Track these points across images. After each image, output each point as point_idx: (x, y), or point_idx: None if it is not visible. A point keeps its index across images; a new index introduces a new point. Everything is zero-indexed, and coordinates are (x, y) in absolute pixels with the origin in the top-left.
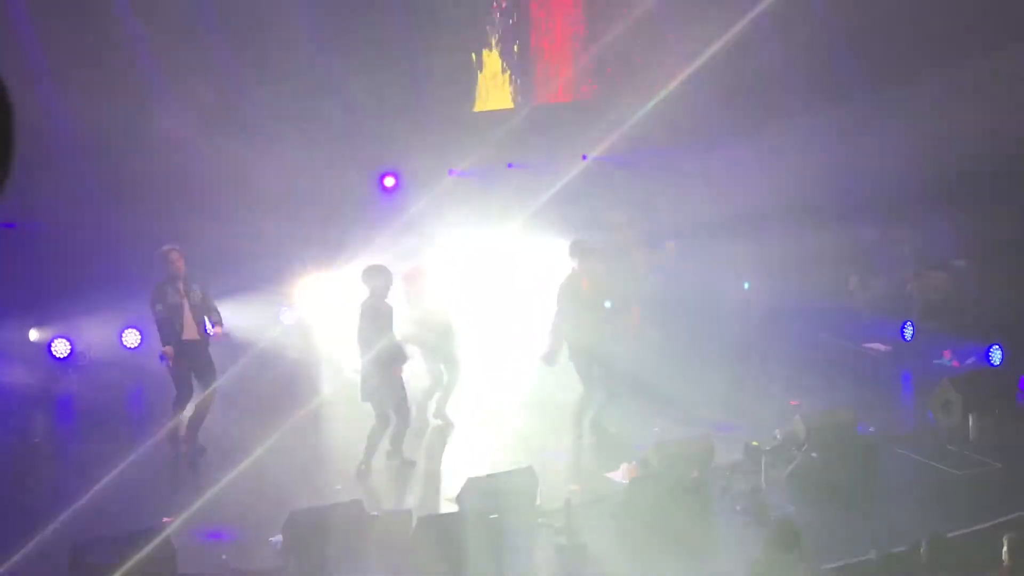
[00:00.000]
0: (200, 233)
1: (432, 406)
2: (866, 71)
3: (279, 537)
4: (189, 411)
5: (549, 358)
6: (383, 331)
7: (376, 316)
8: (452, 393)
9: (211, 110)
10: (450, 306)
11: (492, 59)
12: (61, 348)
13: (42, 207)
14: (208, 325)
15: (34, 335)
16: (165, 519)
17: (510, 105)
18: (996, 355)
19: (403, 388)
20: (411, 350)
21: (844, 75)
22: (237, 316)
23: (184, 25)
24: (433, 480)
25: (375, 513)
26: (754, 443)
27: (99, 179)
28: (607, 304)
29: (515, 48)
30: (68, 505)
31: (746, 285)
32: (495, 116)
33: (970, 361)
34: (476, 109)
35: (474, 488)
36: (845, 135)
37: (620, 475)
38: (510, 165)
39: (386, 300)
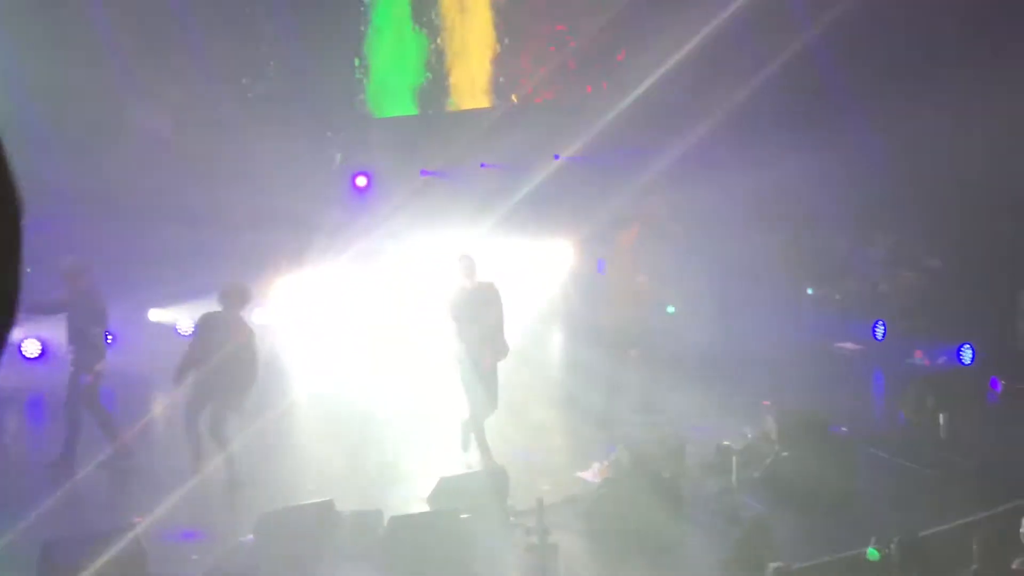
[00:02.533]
0: (171, 233)
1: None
2: (842, 75)
3: (251, 537)
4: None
5: None
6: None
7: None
8: (484, 418)
9: (183, 111)
10: (491, 318)
11: (467, 57)
12: (31, 348)
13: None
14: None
15: None
16: (136, 519)
17: (485, 104)
18: (967, 354)
19: None
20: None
21: (819, 79)
22: None
23: (156, 25)
24: (405, 480)
25: (346, 513)
26: (726, 443)
27: (71, 179)
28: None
29: (492, 47)
30: (38, 505)
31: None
32: (468, 116)
33: (941, 360)
34: (449, 109)
35: (446, 488)
36: (819, 136)
37: (592, 475)
38: (483, 165)
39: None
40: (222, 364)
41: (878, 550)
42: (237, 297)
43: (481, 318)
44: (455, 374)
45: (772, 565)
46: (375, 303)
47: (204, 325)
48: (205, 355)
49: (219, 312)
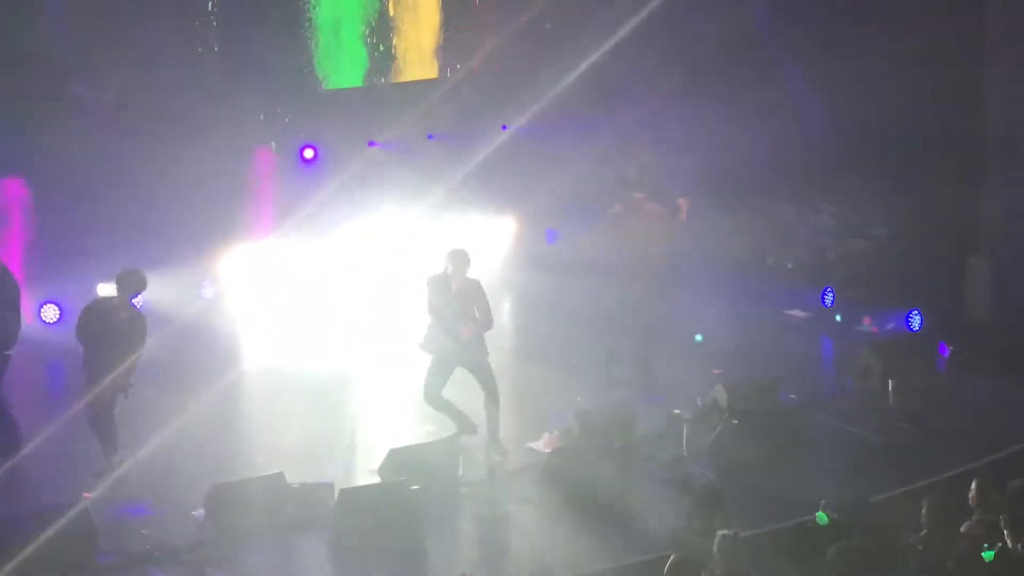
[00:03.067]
0: (121, 207)
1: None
2: (788, 38)
3: (201, 511)
4: None
5: None
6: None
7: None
8: (499, 416)
9: (128, 84)
10: (477, 310)
11: (414, 28)
12: None
13: None
14: None
15: None
16: (85, 494)
17: (432, 75)
18: (915, 321)
19: None
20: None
21: (765, 42)
22: (157, 289)
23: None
24: (355, 452)
25: (296, 486)
26: (676, 412)
27: (12, 154)
28: None
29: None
30: None
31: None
32: (416, 87)
33: (890, 327)
34: (396, 80)
35: (396, 459)
36: (766, 103)
37: (542, 445)
38: (430, 136)
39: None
40: (107, 349)
41: (827, 515)
42: (129, 283)
43: (468, 315)
44: (424, 361)
45: (721, 532)
46: (328, 277)
47: (89, 311)
48: (98, 340)
49: (109, 298)
